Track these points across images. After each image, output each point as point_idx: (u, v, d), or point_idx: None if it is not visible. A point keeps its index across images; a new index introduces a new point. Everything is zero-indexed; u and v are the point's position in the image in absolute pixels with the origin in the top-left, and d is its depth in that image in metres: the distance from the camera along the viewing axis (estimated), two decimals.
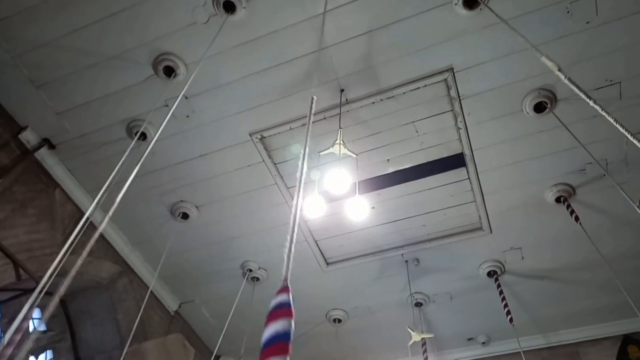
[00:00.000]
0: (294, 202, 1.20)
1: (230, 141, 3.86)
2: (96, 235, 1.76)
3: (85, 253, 1.66)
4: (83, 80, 3.51)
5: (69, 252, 3.13)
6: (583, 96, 1.91)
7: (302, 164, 1.35)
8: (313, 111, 1.70)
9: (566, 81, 2.01)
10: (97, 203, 2.44)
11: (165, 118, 3.66)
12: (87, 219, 2.65)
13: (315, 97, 1.66)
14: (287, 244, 1.02)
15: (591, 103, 1.86)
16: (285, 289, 0.88)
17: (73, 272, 1.55)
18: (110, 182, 2.38)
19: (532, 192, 4.01)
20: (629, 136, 1.74)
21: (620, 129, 1.77)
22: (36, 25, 3.24)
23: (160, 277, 4.76)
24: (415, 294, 4.82)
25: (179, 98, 2.93)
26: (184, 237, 4.44)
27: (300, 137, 3.83)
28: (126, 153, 2.66)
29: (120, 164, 2.59)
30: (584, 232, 3.87)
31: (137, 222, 4.37)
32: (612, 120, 1.79)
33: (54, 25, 3.25)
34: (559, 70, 2.04)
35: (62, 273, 3.43)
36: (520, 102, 3.52)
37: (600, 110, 1.84)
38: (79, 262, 1.60)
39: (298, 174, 1.30)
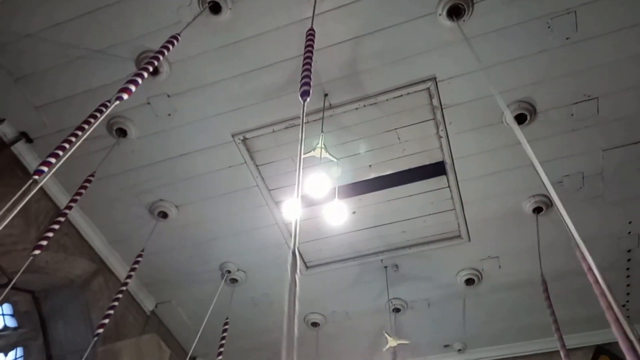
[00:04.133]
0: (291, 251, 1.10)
1: (212, 141, 3.84)
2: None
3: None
4: (63, 75, 3.46)
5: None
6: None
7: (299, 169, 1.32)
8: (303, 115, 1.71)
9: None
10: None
11: (147, 116, 3.67)
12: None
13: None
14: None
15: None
16: None
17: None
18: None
19: (511, 202, 4.06)
20: None
21: None
22: (17, 17, 3.19)
23: (136, 276, 4.70)
24: (394, 300, 4.84)
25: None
26: (163, 236, 4.39)
27: (283, 139, 3.83)
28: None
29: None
30: (560, 242, 3.94)
31: (115, 220, 4.31)
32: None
33: (35, 18, 3.20)
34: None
35: (34, 269, 3.37)
36: (500, 113, 3.57)
37: None
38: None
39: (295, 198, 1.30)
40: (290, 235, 4.40)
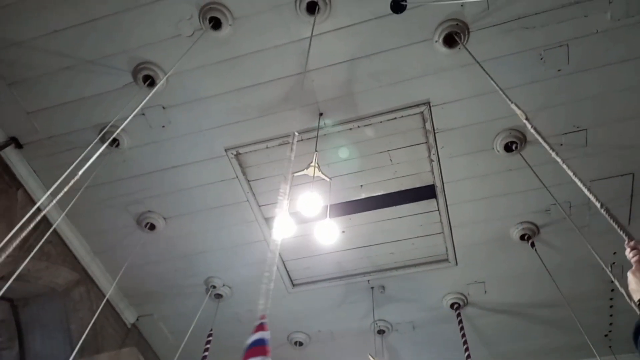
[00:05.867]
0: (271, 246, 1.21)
1: (205, 155, 3.82)
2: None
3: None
4: (58, 82, 3.44)
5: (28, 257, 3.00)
6: (546, 146, 2.03)
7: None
8: (295, 142, 1.74)
9: (532, 130, 2.13)
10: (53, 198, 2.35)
11: (140, 126, 3.65)
12: (40, 209, 2.56)
13: (297, 133, 1.70)
14: (266, 281, 1.00)
15: (554, 154, 1.98)
16: (262, 326, 0.87)
17: None
18: (72, 183, 2.25)
19: (498, 228, 4.10)
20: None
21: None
22: (14, 22, 3.17)
23: (119, 288, 4.62)
24: (379, 322, 4.82)
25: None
26: (149, 248, 4.33)
27: (276, 155, 3.83)
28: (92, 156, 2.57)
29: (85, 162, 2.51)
30: (546, 270, 3.97)
31: (101, 229, 4.25)
32: (568, 171, 1.90)
33: (32, 25, 3.19)
34: (526, 119, 2.15)
35: (18, 278, 3.29)
36: (491, 140, 3.63)
37: (560, 163, 1.95)
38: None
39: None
40: (279, 252, 4.38)
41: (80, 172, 1.97)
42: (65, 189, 1.95)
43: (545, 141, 2.06)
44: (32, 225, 1.73)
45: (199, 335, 4.49)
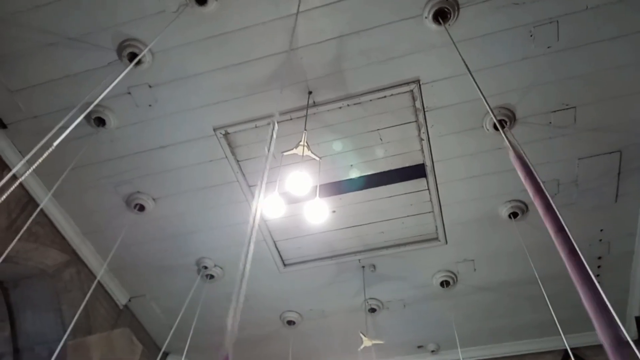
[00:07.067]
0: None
1: (193, 134, 3.79)
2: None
3: None
4: (41, 59, 3.37)
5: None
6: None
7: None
8: (275, 129, 1.73)
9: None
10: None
11: (127, 106, 3.60)
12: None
13: (277, 124, 1.68)
14: (232, 305, 0.93)
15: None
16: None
17: None
18: (47, 153, 2.23)
19: (488, 207, 4.12)
20: None
21: None
22: None
23: (110, 269, 4.62)
24: (370, 300, 4.87)
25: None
26: (139, 229, 4.32)
27: (265, 135, 3.80)
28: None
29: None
30: (528, 248, 4.02)
31: (89, 210, 4.22)
32: None
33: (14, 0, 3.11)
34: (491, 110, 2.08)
35: (4, 259, 3.28)
36: (481, 118, 3.62)
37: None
38: None
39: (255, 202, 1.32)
40: (270, 233, 4.39)
41: (55, 143, 1.92)
42: (34, 150, 1.92)
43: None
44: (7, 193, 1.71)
45: (192, 316, 4.52)
